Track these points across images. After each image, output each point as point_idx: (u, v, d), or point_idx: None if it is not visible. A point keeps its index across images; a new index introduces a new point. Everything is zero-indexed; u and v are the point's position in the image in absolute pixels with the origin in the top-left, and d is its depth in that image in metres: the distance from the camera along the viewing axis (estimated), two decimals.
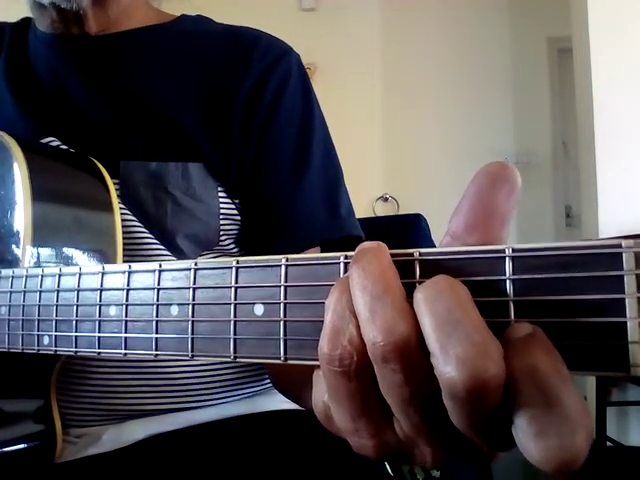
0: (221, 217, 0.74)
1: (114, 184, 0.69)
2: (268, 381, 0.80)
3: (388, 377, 0.28)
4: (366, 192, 3.70)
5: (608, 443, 2.59)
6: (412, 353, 0.27)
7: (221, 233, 0.74)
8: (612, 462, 2.58)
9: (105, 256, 0.64)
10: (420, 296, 0.27)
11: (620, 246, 0.24)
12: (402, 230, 1.21)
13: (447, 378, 0.25)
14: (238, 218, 0.76)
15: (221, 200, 0.74)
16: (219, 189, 0.74)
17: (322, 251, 0.75)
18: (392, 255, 0.30)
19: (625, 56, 2.72)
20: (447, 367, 0.25)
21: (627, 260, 0.24)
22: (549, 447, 0.24)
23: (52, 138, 0.74)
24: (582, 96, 2.91)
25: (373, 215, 3.61)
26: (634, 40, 2.71)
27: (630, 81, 2.71)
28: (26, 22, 0.85)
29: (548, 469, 0.24)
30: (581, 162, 2.99)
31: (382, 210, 3.76)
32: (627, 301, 0.24)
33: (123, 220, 0.67)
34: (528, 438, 0.25)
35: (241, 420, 0.74)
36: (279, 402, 0.78)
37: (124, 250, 0.65)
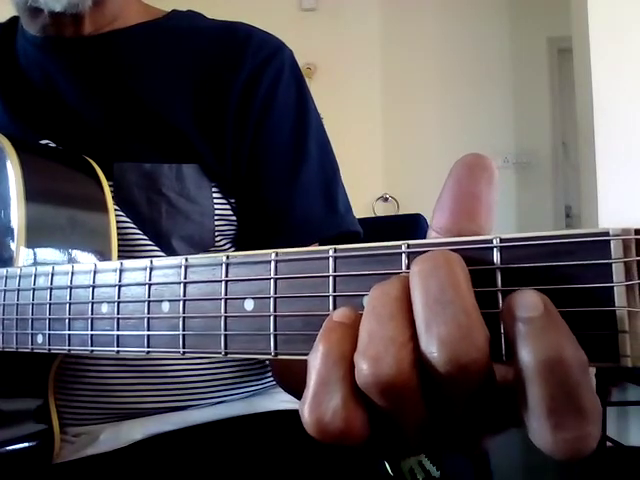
0: (216, 218, 0.74)
1: (109, 186, 0.68)
2: (267, 380, 0.79)
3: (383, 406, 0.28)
4: (366, 192, 3.70)
5: (608, 443, 2.59)
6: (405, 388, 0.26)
7: (216, 234, 0.74)
8: (612, 462, 2.58)
9: (100, 255, 0.64)
10: (415, 269, 0.27)
11: (608, 234, 0.24)
12: (402, 230, 1.21)
13: (428, 358, 0.25)
14: (233, 218, 0.76)
15: (216, 201, 0.74)
16: (214, 190, 0.74)
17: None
18: (379, 247, 0.29)
19: (625, 56, 2.72)
20: (429, 347, 0.25)
21: (615, 248, 0.24)
22: (565, 439, 0.24)
23: (46, 141, 0.74)
24: (582, 96, 2.91)
25: (373, 215, 3.61)
26: (634, 40, 2.71)
27: (630, 81, 2.71)
28: (14, 22, 0.83)
29: (560, 458, 0.24)
30: (581, 162, 2.99)
31: (382, 210, 3.76)
32: (615, 290, 0.24)
33: (117, 222, 0.67)
34: (544, 429, 0.24)
35: (240, 420, 0.73)
36: (278, 402, 0.78)
37: (119, 252, 0.65)
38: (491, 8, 3.90)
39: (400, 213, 3.49)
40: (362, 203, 3.62)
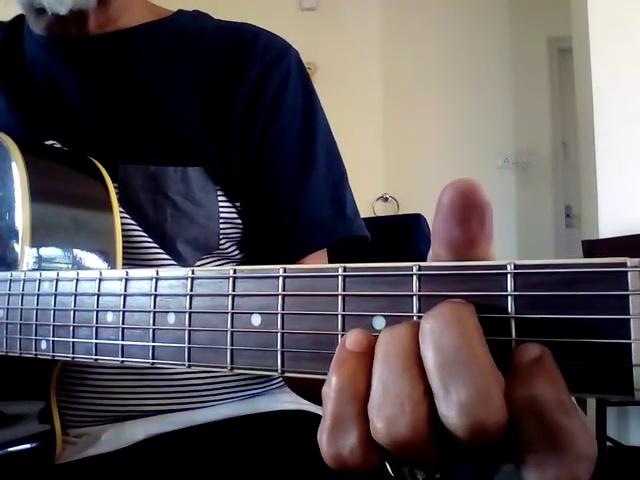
0: (221, 221, 0.73)
1: (114, 188, 0.68)
2: (269, 382, 0.79)
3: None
4: (366, 192, 3.69)
5: (608, 443, 2.58)
6: (421, 445, 0.27)
7: (221, 237, 0.74)
8: (612, 462, 2.57)
9: (104, 256, 0.64)
10: (426, 327, 0.26)
11: (625, 265, 0.24)
12: (402, 230, 1.20)
13: (449, 423, 0.25)
14: (239, 222, 0.75)
15: (221, 204, 0.74)
16: (219, 193, 0.74)
17: (328, 251, 0.75)
18: (389, 268, 0.29)
19: (625, 56, 2.71)
20: (449, 411, 0.25)
21: (632, 279, 0.23)
22: (546, 477, 0.24)
23: (52, 142, 0.73)
24: (582, 96, 2.90)
25: (373, 215, 3.60)
26: (634, 40, 2.71)
27: (630, 81, 2.70)
28: (19, 21, 0.83)
29: None
30: (581, 162, 2.99)
31: (382, 210, 3.76)
32: (632, 322, 0.23)
33: (122, 224, 0.66)
34: (525, 467, 0.25)
35: (242, 420, 0.73)
36: (280, 403, 0.78)
37: (124, 254, 0.65)
38: (491, 8, 3.90)
39: (400, 213, 3.49)
40: (362, 203, 3.59)
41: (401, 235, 1.18)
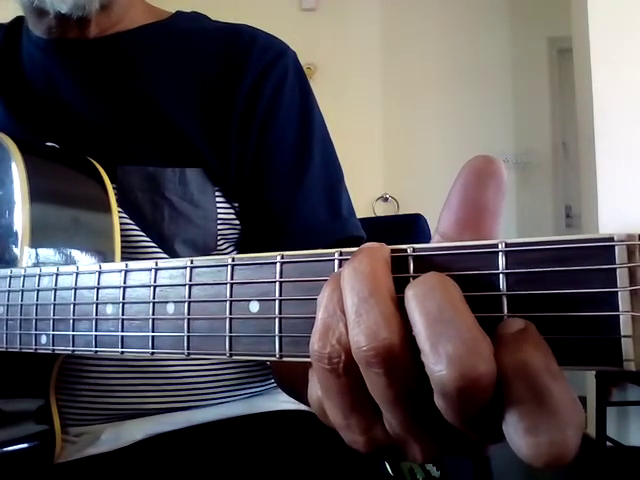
0: (219, 222, 0.74)
1: (112, 189, 0.68)
2: (269, 382, 0.80)
3: (373, 379, 0.28)
4: (366, 192, 3.70)
5: (608, 443, 2.58)
6: (396, 358, 0.27)
7: (219, 238, 0.74)
8: (612, 462, 2.57)
9: (103, 256, 0.64)
10: (411, 293, 0.27)
11: (612, 239, 0.24)
12: (402, 230, 1.20)
13: (437, 377, 0.25)
14: (237, 222, 0.76)
15: (219, 205, 0.74)
16: (217, 194, 0.74)
17: None
18: None
19: (625, 56, 2.72)
20: (437, 366, 0.25)
21: (619, 253, 0.24)
22: (538, 443, 0.24)
23: (50, 143, 0.73)
24: (582, 96, 2.90)
25: (373, 215, 3.60)
26: (634, 40, 2.71)
27: (630, 81, 2.70)
28: (18, 22, 0.83)
29: (538, 465, 0.24)
30: (581, 162, 2.99)
31: (382, 210, 3.76)
32: (619, 294, 0.24)
33: (121, 224, 0.67)
34: (518, 434, 0.25)
35: (241, 420, 0.73)
36: (279, 402, 0.78)
37: (122, 253, 0.65)
38: (491, 8, 3.90)
39: (400, 213, 3.49)
40: (362, 203, 3.62)
41: (401, 235, 1.19)
